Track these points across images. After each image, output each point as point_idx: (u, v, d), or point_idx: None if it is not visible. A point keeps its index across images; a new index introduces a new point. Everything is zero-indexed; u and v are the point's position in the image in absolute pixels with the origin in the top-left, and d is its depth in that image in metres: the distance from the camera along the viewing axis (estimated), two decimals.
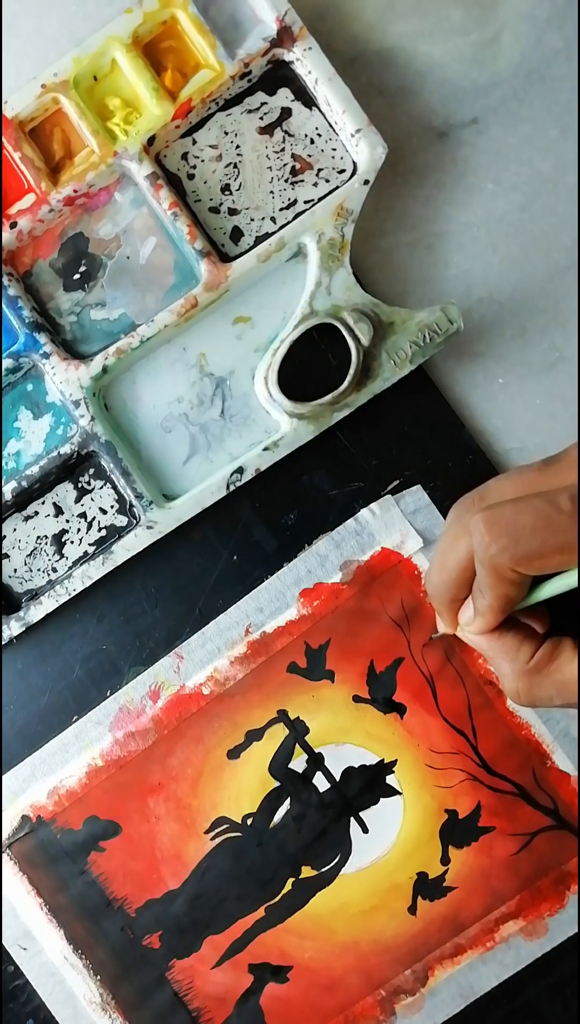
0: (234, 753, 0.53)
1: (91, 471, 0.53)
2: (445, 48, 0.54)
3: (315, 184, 0.53)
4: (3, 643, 0.52)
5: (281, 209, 0.53)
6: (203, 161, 0.53)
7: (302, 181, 0.53)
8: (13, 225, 0.52)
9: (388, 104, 0.54)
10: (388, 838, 0.53)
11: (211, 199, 0.53)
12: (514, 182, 0.54)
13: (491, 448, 0.54)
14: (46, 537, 0.53)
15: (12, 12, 0.54)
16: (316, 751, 0.53)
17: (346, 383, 0.52)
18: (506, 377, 0.54)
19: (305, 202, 0.53)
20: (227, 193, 0.53)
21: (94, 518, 0.53)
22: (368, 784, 0.53)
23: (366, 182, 0.52)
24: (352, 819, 0.53)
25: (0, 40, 0.54)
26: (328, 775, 0.53)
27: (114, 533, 0.53)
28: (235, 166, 0.53)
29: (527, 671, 0.44)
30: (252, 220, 0.53)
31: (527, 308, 0.54)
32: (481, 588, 0.43)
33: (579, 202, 0.54)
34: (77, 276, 0.53)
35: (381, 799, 0.53)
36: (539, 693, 0.44)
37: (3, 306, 0.52)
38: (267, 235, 0.53)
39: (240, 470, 0.52)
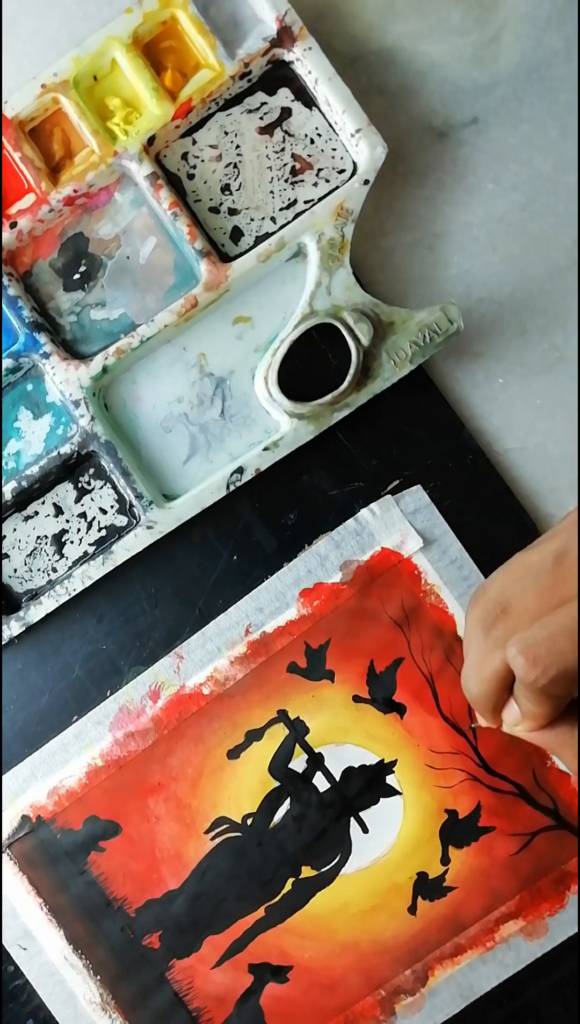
0: (234, 753, 0.53)
1: (91, 471, 0.53)
2: (445, 48, 0.54)
3: (315, 184, 0.53)
4: (3, 643, 0.52)
5: (281, 209, 0.53)
6: (203, 161, 0.53)
7: (302, 181, 0.53)
8: (13, 225, 0.52)
9: (388, 104, 0.54)
10: (388, 838, 0.53)
11: (211, 199, 0.53)
12: (514, 182, 0.54)
13: (491, 448, 0.54)
14: (46, 537, 0.53)
15: (12, 12, 0.54)
16: (316, 751, 0.53)
17: (346, 383, 0.52)
18: (506, 377, 0.54)
19: (305, 202, 0.53)
20: (227, 193, 0.53)
21: (94, 518, 0.53)
22: (368, 784, 0.53)
23: (366, 182, 0.52)
24: (352, 819, 0.53)
25: (0, 40, 0.54)
26: (328, 775, 0.53)
27: (114, 533, 0.53)
28: (235, 166, 0.53)
29: None
30: (252, 220, 0.53)
31: (527, 308, 0.54)
32: (528, 698, 0.42)
33: (579, 202, 0.54)
34: (77, 276, 0.53)
35: (381, 799, 0.53)
36: None
37: (3, 306, 0.52)
38: (267, 235, 0.53)
39: (240, 470, 0.52)
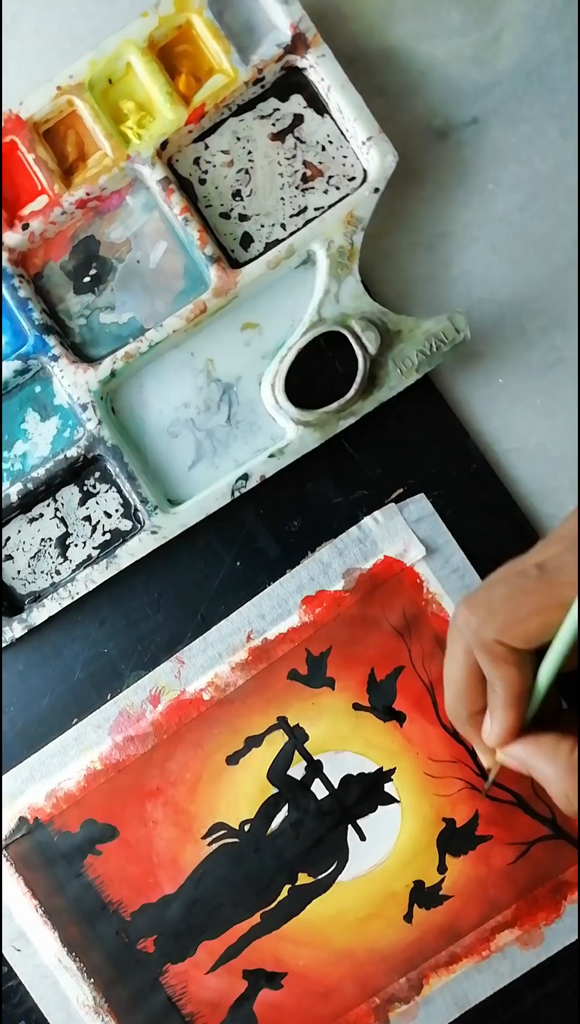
0: (233, 759, 0.53)
1: (97, 475, 0.53)
2: (445, 48, 0.54)
3: (325, 191, 0.53)
4: (5, 644, 0.52)
5: (291, 216, 0.53)
6: (215, 166, 0.53)
7: (313, 188, 0.53)
8: (25, 227, 0.51)
9: (388, 104, 0.54)
10: (385, 846, 0.53)
11: (222, 204, 0.53)
12: (514, 182, 0.54)
13: (491, 449, 0.54)
14: (50, 540, 0.53)
15: (12, 12, 0.54)
16: (315, 758, 0.53)
17: (352, 391, 0.52)
18: (506, 378, 0.54)
19: (315, 209, 0.53)
20: (238, 199, 0.53)
21: (99, 522, 0.53)
22: (366, 792, 0.53)
23: (376, 190, 0.52)
24: (350, 826, 0.53)
25: (0, 40, 0.54)
26: (326, 782, 0.53)
27: (118, 537, 0.53)
28: (246, 172, 0.53)
29: (571, 766, 0.41)
30: (262, 226, 0.53)
31: (527, 308, 0.54)
32: (491, 684, 0.42)
33: (579, 202, 0.54)
34: (87, 279, 0.53)
35: (379, 807, 0.53)
36: None
37: (14, 308, 0.52)
38: (277, 241, 0.53)
39: (245, 476, 0.52)
